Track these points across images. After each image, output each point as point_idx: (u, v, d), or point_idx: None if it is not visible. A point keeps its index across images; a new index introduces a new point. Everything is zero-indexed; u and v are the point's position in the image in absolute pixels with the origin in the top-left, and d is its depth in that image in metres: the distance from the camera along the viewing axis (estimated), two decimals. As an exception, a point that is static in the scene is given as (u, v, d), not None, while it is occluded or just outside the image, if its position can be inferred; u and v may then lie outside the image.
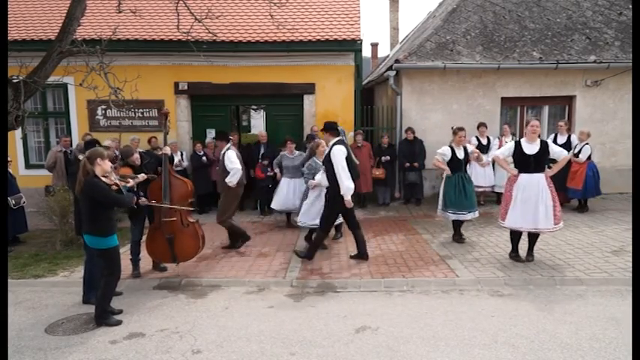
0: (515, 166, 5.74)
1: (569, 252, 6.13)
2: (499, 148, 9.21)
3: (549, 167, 5.87)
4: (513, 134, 9.68)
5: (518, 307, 4.58)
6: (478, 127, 9.17)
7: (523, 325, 4.14)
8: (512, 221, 5.67)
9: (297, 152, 7.84)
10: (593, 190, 8.40)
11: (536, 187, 5.52)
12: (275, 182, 8.24)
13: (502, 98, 9.99)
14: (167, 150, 5.57)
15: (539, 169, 5.60)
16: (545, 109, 10.25)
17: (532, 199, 5.51)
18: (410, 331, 4.10)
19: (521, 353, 3.66)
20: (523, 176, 5.62)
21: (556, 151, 5.67)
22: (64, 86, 9.00)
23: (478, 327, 4.14)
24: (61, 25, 5.76)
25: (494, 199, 9.52)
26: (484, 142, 9.08)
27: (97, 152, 4.29)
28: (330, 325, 4.24)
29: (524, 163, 5.62)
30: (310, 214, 6.51)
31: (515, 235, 5.88)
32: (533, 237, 5.82)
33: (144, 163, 5.63)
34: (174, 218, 5.50)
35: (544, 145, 5.61)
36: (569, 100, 10.15)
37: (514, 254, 5.92)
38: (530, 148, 5.61)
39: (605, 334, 3.95)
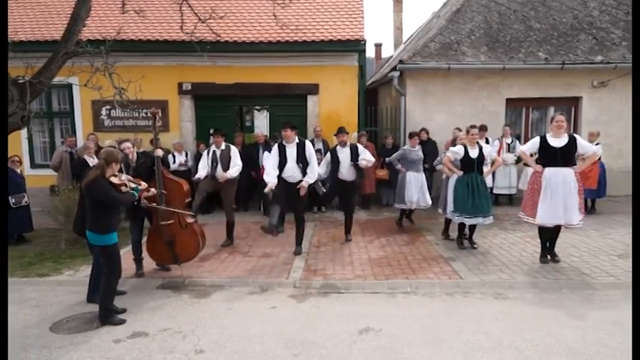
0: (540, 161, 5.66)
1: (575, 255, 6.09)
2: (499, 150, 9.24)
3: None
4: (516, 136, 9.65)
5: (524, 310, 4.56)
6: (479, 130, 9.10)
7: (528, 329, 4.12)
8: (542, 217, 5.52)
9: (418, 146, 7.70)
10: (603, 190, 8.39)
11: (563, 181, 5.43)
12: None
13: (507, 99, 9.96)
14: (159, 152, 5.53)
15: (566, 162, 5.49)
16: (551, 111, 10.19)
17: (560, 193, 5.42)
18: (413, 333, 4.09)
19: (525, 357, 3.65)
20: (549, 170, 5.52)
21: (584, 146, 5.58)
22: (69, 86, 9.07)
23: (482, 330, 4.13)
24: (66, 25, 5.79)
25: (493, 200, 9.48)
26: (482, 143, 9.00)
27: (115, 156, 4.45)
28: (333, 326, 4.24)
29: (551, 156, 5.52)
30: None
31: (545, 234, 5.76)
32: (554, 234, 5.72)
33: (139, 164, 5.61)
34: (172, 221, 5.50)
35: (572, 139, 5.53)
36: (575, 101, 10.10)
37: (545, 258, 5.80)
38: (557, 141, 5.53)
39: (611, 338, 3.92)
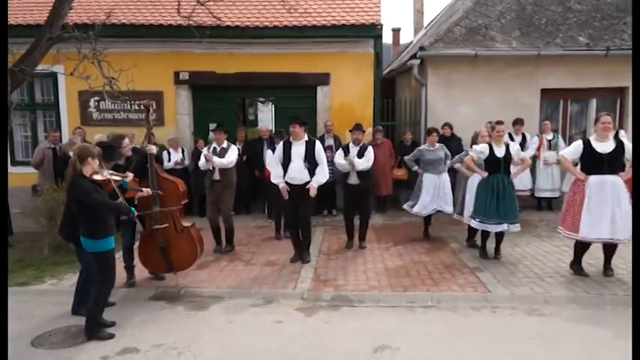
0: (583, 168, 5.57)
1: (622, 266, 5.96)
2: (539, 147, 9.18)
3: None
4: (555, 131, 9.58)
5: (561, 328, 4.52)
6: (514, 125, 9.08)
7: (566, 350, 4.08)
8: (585, 231, 5.41)
9: (437, 145, 7.55)
10: None
11: (611, 191, 5.34)
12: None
13: (542, 90, 9.87)
14: (152, 149, 5.57)
15: (613, 169, 5.41)
16: (593, 103, 10.07)
17: (607, 205, 5.33)
18: (434, 352, 4.08)
19: (562, 379, 3.62)
20: (593, 179, 5.42)
21: (630, 149, 5.45)
22: (54, 76, 9.17)
23: (513, 350, 4.10)
24: (50, 8, 5.87)
25: (534, 204, 9.43)
26: (518, 140, 8.97)
27: (88, 151, 4.40)
28: (345, 344, 4.25)
29: (596, 163, 5.43)
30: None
31: (583, 246, 5.69)
32: (611, 247, 5.64)
33: (129, 161, 5.62)
34: (167, 224, 5.54)
35: (619, 144, 5.45)
36: (621, 92, 9.97)
37: (577, 266, 5.76)
38: (603, 146, 5.44)
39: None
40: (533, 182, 9.22)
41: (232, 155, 6.96)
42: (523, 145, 8.99)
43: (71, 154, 7.59)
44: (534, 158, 9.10)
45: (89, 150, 4.42)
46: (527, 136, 9.22)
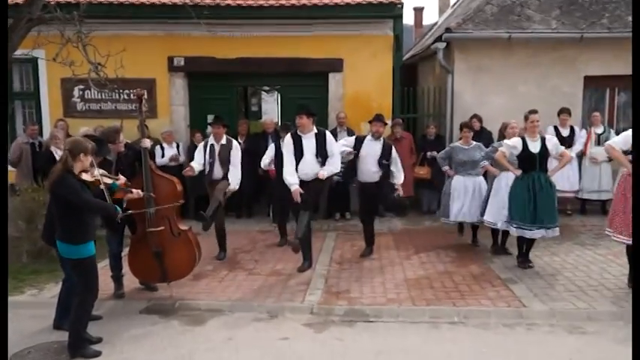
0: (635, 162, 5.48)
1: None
2: (587, 141, 9.05)
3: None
4: (609, 125, 9.45)
5: (606, 348, 4.48)
6: (559, 115, 8.98)
7: (612, 372, 4.04)
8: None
9: (473, 143, 7.39)
10: None
11: None
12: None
13: (585, 77, 9.80)
14: (146, 143, 5.58)
15: None
16: (643, 92, 9.96)
17: None
18: (463, 374, 4.05)
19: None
20: None
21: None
22: (34, 61, 9.24)
23: (552, 372, 4.06)
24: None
25: (579, 207, 9.34)
26: (565, 133, 8.89)
27: (82, 146, 4.41)
28: (360, 365, 4.22)
29: None
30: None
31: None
32: None
33: (119, 157, 5.63)
34: (162, 227, 5.54)
35: None
36: (675, 79, 9.85)
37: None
38: None
39: None
40: (579, 182, 9.07)
41: (237, 161, 6.95)
42: (571, 139, 8.89)
43: (53, 149, 7.77)
44: (581, 155, 8.99)
45: (82, 145, 4.42)
46: (576, 128, 9.10)
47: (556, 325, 4.95)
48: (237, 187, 6.96)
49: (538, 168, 6.26)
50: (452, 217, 7.33)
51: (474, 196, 7.21)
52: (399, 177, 6.92)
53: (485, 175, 7.51)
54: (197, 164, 6.85)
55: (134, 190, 5.13)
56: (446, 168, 7.53)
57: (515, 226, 6.32)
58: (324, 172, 6.34)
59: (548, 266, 6.50)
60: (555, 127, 8.92)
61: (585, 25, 9.56)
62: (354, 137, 7.19)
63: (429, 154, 9.24)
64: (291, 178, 6.31)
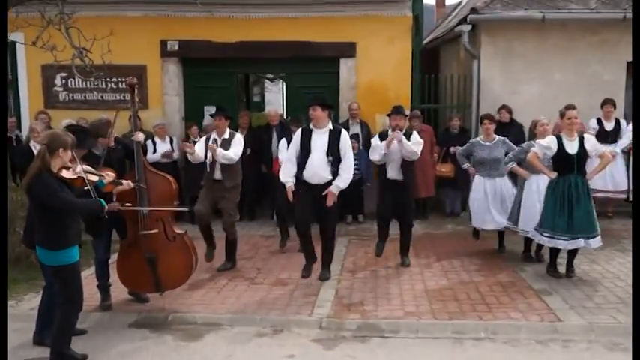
0: None
1: None
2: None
3: None
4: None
5: (651, 366, 4.47)
6: (602, 106, 8.94)
7: (657, 394, 4.03)
8: None
9: (496, 138, 7.33)
10: None
11: None
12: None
13: (629, 63, 9.73)
14: (139, 137, 5.61)
15: None
16: (695, 80, 9.92)
17: None
18: (490, 396, 4.06)
19: None
20: None
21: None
22: (12, 46, 9.27)
23: (590, 394, 4.07)
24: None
25: (628, 209, 9.25)
26: (609, 127, 8.86)
27: (60, 140, 4.40)
28: (375, 385, 4.25)
29: None
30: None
31: None
32: None
33: (108, 151, 5.65)
34: (156, 230, 5.57)
35: None
36: None
37: None
38: None
39: None
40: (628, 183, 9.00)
41: (239, 146, 6.84)
42: (616, 134, 8.85)
43: (32, 144, 7.83)
44: (628, 152, 8.93)
45: (61, 139, 4.41)
46: (622, 122, 9.03)
47: (594, 341, 4.94)
48: (235, 157, 6.78)
49: (575, 171, 6.21)
50: (476, 225, 7.36)
51: (495, 201, 7.19)
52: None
53: (512, 175, 7.47)
54: (199, 151, 6.74)
55: (124, 182, 5.10)
56: (466, 166, 7.50)
57: (546, 235, 6.31)
58: (334, 191, 6.22)
59: (587, 275, 6.49)
60: (598, 120, 8.87)
61: (628, 4, 9.51)
62: (377, 136, 7.08)
63: (452, 149, 9.19)
64: (284, 177, 6.39)
